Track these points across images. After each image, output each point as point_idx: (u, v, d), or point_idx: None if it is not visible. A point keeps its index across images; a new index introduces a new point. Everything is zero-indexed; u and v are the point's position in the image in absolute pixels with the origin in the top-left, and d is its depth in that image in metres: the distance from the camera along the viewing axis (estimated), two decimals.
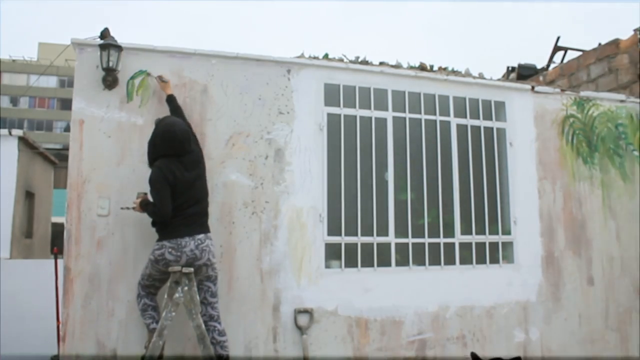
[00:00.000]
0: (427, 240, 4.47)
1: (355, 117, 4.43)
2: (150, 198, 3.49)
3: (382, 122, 4.49)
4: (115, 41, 3.80)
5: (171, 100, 3.83)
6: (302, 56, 4.56)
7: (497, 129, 4.83)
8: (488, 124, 4.81)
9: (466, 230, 4.61)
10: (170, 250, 3.35)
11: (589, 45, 6.34)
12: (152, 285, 3.52)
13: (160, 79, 3.86)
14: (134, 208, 3.55)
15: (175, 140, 3.48)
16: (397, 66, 4.81)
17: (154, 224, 3.48)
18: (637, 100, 5.32)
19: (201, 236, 3.45)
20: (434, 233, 4.51)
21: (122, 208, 3.70)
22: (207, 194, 3.62)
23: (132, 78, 3.90)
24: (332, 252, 4.22)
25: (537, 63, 7.15)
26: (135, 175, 3.79)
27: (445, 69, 5.17)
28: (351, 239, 4.28)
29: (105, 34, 3.85)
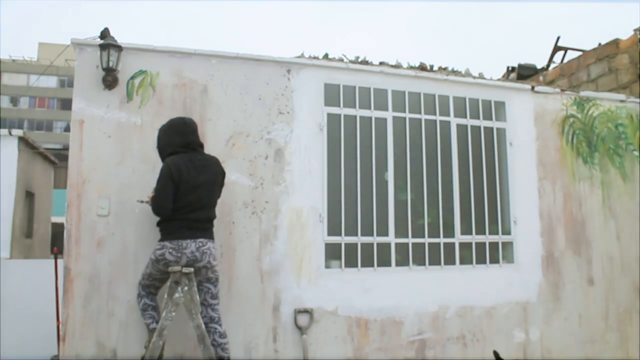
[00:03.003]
0: (427, 240, 4.47)
1: (355, 117, 4.43)
2: None
3: (382, 122, 4.49)
4: (115, 41, 3.80)
5: None
6: (302, 56, 4.56)
7: (497, 129, 4.83)
8: (488, 124, 4.81)
9: (466, 230, 4.61)
10: (170, 250, 3.35)
11: (589, 45, 6.35)
12: (152, 285, 3.52)
13: None
14: (147, 202, 3.57)
15: (185, 125, 3.54)
16: (397, 66, 4.81)
17: (158, 223, 3.49)
18: (637, 100, 5.32)
19: (202, 239, 3.44)
20: (434, 233, 4.51)
21: (138, 201, 3.73)
22: (215, 203, 3.59)
23: (132, 78, 3.90)
24: (332, 252, 4.22)
25: (537, 63, 7.16)
26: (136, 175, 3.80)
27: (445, 69, 5.18)
28: (351, 239, 4.28)
29: (105, 33, 3.85)
